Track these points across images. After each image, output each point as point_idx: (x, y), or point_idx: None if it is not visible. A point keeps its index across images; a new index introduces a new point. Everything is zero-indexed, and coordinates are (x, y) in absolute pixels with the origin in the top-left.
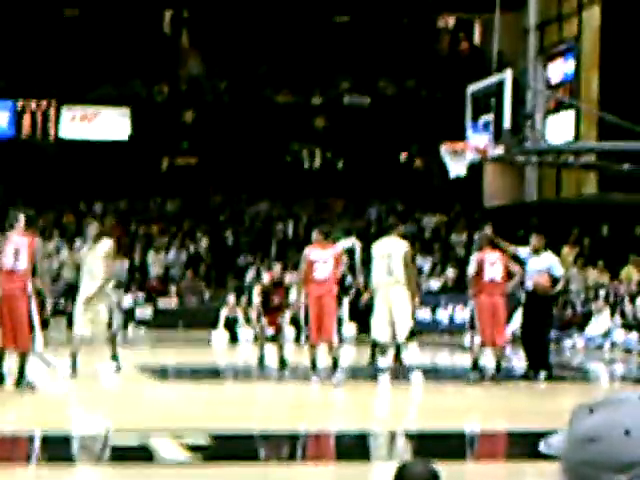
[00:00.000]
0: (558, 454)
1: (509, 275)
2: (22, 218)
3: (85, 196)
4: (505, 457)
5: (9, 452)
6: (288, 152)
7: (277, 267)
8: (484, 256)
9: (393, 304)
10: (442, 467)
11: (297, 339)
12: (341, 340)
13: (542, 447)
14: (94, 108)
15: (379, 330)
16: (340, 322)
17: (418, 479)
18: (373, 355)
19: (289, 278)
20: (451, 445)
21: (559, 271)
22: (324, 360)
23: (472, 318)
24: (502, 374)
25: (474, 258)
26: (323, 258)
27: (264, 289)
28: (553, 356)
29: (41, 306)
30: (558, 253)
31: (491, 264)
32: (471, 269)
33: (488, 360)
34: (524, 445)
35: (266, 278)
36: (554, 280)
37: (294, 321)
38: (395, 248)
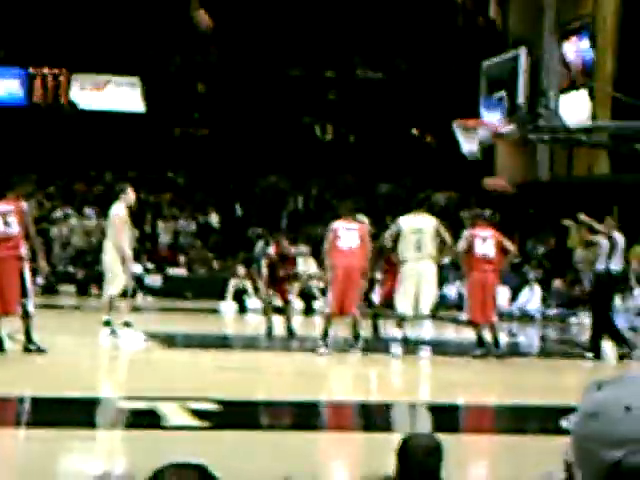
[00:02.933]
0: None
1: (504, 252)
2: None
3: (96, 165)
4: (508, 431)
5: (13, 415)
6: (300, 126)
7: (284, 239)
8: (475, 232)
9: (422, 278)
10: (445, 439)
11: (305, 311)
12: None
13: (564, 422)
14: (105, 77)
15: (404, 303)
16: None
17: (422, 451)
18: (375, 327)
19: (296, 250)
20: (454, 418)
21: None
22: (341, 332)
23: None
24: (507, 349)
25: (465, 235)
26: (349, 228)
27: (271, 261)
28: (560, 334)
29: (34, 271)
30: (568, 233)
31: (483, 240)
32: (461, 245)
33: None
34: (530, 420)
35: (272, 250)
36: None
37: (303, 294)
38: (425, 223)
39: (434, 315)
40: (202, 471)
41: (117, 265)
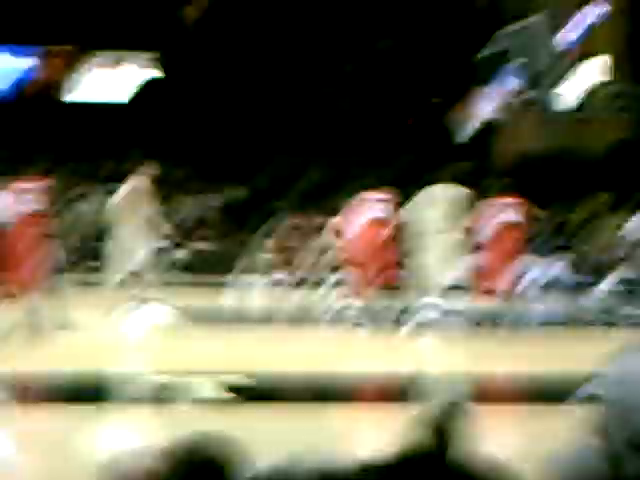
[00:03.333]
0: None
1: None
2: None
3: (120, 143)
4: (530, 400)
5: (44, 391)
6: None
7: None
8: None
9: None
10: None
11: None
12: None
13: (589, 388)
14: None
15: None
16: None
17: (444, 417)
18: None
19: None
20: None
21: None
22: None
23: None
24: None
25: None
26: (370, 200)
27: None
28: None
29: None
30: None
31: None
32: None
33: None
34: (558, 389)
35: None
36: None
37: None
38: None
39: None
40: (220, 444)
41: (137, 241)
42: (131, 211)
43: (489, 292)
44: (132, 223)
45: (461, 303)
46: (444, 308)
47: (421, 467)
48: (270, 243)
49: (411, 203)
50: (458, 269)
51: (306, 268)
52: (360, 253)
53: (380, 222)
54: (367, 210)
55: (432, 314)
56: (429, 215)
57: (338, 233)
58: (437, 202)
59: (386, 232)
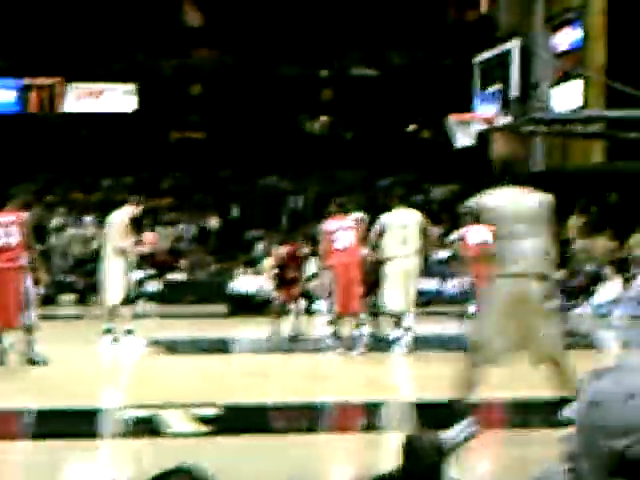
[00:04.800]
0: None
1: None
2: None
3: (93, 172)
4: (507, 425)
5: (17, 427)
6: (296, 124)
7: (299, 240)
8: (466, 231)
9: (408, 274)
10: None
11: (307, 311)
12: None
13: (566, 411)
14: (100, 85)
15: (393, 300)
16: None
17: (426, 449)
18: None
19: (304, 250)
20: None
21: None
22: (346, 331)
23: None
24: None
25: (455, 235)
26: (342, 227)
27: (280, 262)
28: (560, 324)
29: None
30: (565, 222)
31: (475, 231)
32: (454, 236)
33: None
34: (530, 413)
35: (283, 250)
36: None
37: (304, 294)
38: (411, 219)
39: (425, 311)
40: (192, 475)
41: (117, 272)
42: (109, 242)
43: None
44: (108, 255)
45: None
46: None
47: None
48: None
49: (372, 230)
50: (415, 292)
51: (288, 295)
52: (339, 278)
53: (349, 249)
54: (343, 235)
55: (402, 340)
56: (387, 240)
57: (318, 264)
58: (394, 227)
59: (356, 257)
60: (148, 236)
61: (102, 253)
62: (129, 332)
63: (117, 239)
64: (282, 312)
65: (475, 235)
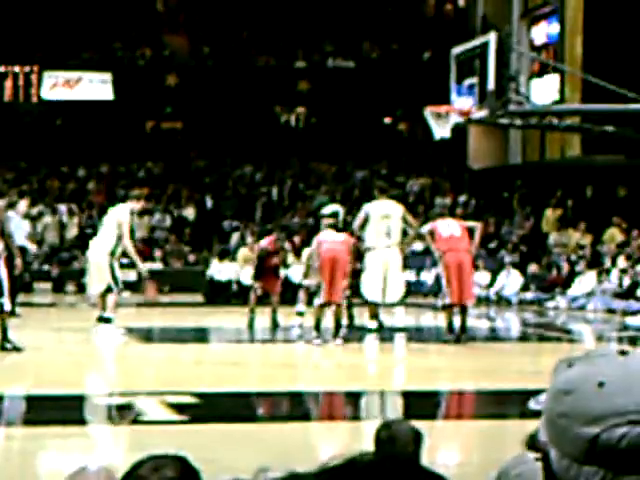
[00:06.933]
0: (542, 409)
1: (470, 232)
2: None
3: (68, 160)
4: (483, 416)
5: None
6: (272, 116)
7: (278, 233)
8: (436, 224)
9: (389, 265)
10: (422, 425)
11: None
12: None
13: (531, 404)
14: (76, 73)
15: (372, 290)
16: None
17: (401, 437)
18: (350, 316)
19: (284, 244)
20: (431, 404)
21: None
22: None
23: (438, 279)
24: (486, 334)
25: (426, 227)
26: (336, 240)
27: (261, 253)
28: (536, 317)
29: (9, 268)
30: (542, 215)
31: (447, 225)
32: (425, 229)
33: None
34: (508, 404)
35: (264, 243)
36: None
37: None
38: (393, 210)
39: (404, 302)
40: (182, 462)
41: (105, 264)
42: (104, 235)
43: (443, 307)
44: (98, 246)
45: (407, 319)
46: (390, 324)
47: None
48: (219, 263)
49: (355, 220)
50: (401, 286)
51: (267, 286)
52: (322, 272)
53: (337, 240)
54: (324, 229)
55: (379, 331)
56: (369, 231)
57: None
58: (378, 218)
59: (343, 249)
60: None
61: (91, 243)
62: (107, 321)
63: (121, 237)
64: (260, 302)
65: (446, 228)
